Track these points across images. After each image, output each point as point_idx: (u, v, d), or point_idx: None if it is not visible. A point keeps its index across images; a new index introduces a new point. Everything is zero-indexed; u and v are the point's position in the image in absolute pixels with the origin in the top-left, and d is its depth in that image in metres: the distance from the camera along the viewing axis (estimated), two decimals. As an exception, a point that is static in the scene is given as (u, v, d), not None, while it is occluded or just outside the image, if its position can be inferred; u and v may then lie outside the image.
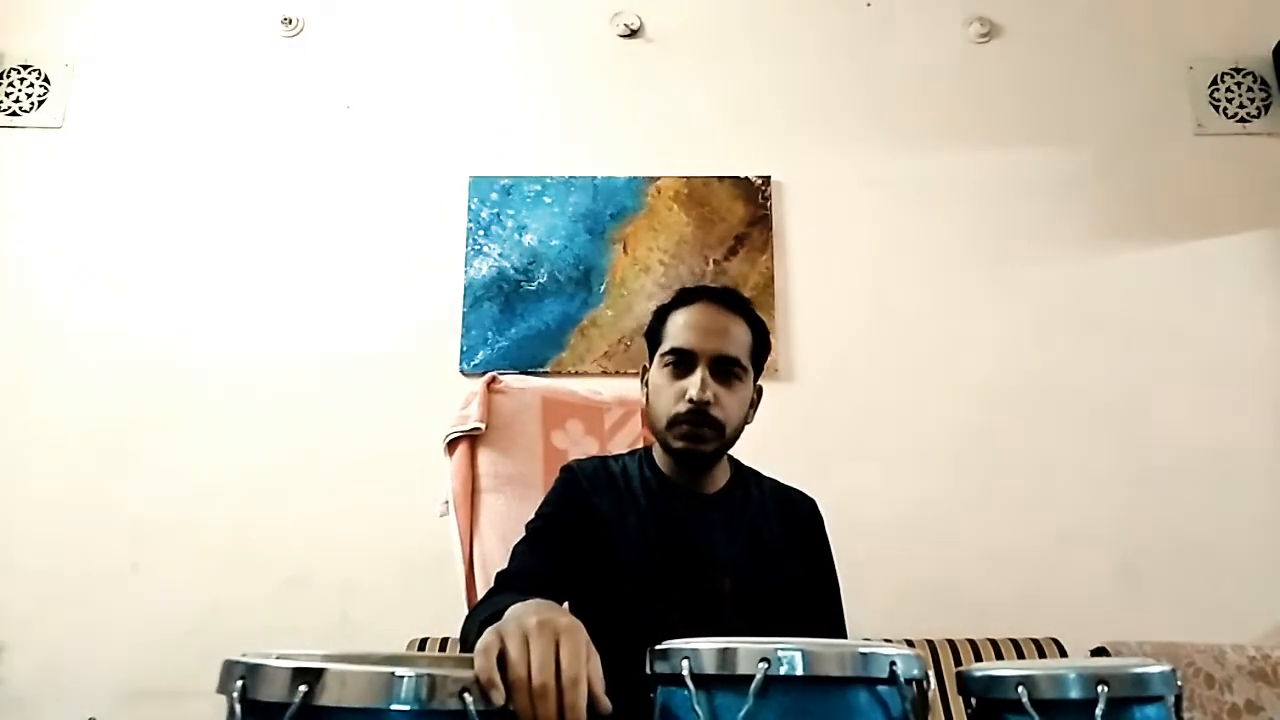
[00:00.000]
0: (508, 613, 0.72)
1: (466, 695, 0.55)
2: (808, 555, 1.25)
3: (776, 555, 1.21)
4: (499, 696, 0.58)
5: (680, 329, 1.19)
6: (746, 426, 1.24)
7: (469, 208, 2.47)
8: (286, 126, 2.55)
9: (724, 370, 1.17)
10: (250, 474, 2.27)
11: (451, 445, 1.49)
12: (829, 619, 1.23)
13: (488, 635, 0.64)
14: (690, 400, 1.13)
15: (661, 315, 1.25)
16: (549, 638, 0.64)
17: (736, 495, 1.25)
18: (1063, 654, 1.93)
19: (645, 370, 1.28)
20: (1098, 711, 0.66)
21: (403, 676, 0.55)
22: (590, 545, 1.16)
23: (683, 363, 1.17)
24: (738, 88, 2.59)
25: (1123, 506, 2.24)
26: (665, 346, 1.20)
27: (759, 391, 1.26)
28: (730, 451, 1.29)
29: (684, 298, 1.24)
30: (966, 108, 2.56)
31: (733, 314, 1.21)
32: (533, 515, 1.22)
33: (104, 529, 2.22)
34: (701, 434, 1.15)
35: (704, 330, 1.18)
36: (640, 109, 2.58)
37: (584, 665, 0.63)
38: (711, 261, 2.43)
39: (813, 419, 2.29)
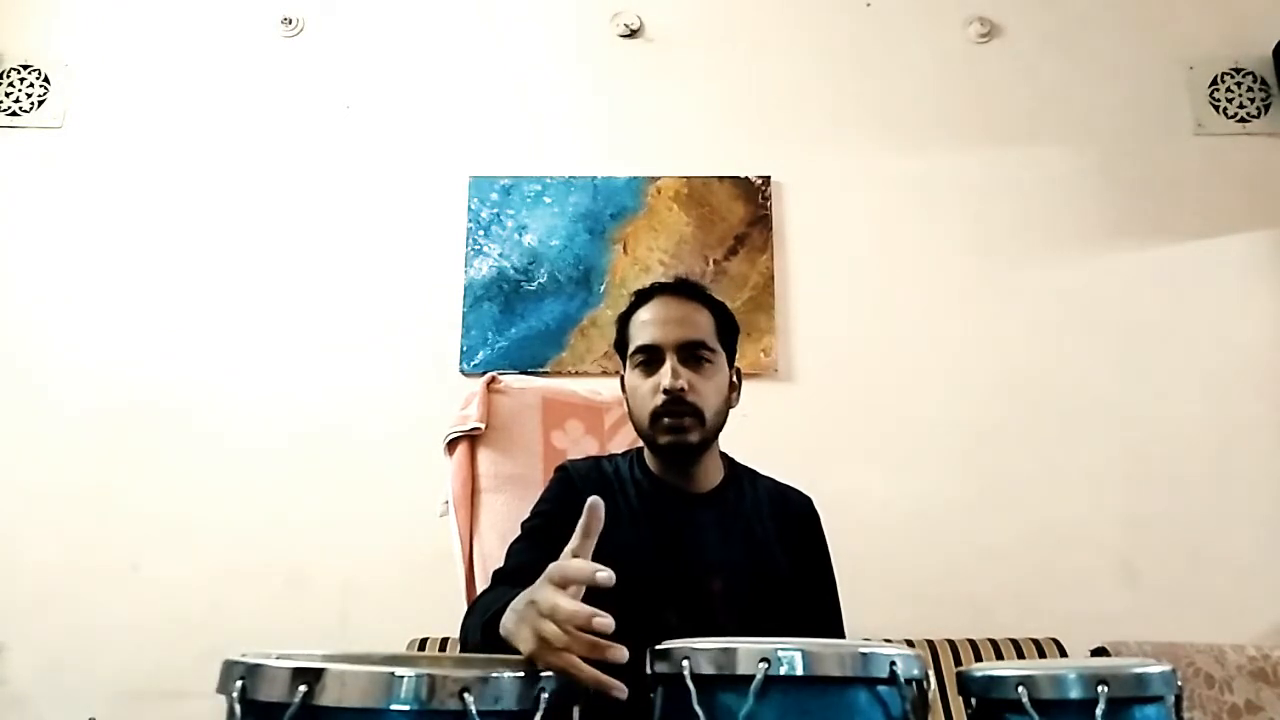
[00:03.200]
0: (514, 625, 0.77)
1: (466, 695, 0.55)
2: (802, 554, 1.24)
3: (770, 555, 1.20)
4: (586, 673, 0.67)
5: (641, 327, 1.20)
6: (734, 421, 1.24)
7: (469, 208, 2.47)
8: (286, 126, 2.55)
9: (692, 356, 1.17)
10: (250, 474, 2.27)
11: (451, 445, 1.49)
12: (824, 618, 1.22)
13: (545, 658, 0.69)
14: (665, 391, 1.14)
15: (623, 321, 1.26)
16: (548, 591, 0.72)
17: (730, 495, 1.24)
18: (1063, 654, 1.93)
19: (623, 380, 1.28)
20: (1098, 711, 0.66)
21: (402, 676, 0.55)
22: None
23: (651, 358, 1.18)
24: (738, 88, 2.59)
25: (1123, 506, 2.24)
26: (632, 347, 1.21)
27: (738, 374, 1.26)
28: (728, 451, 1.29)
29: (640, 299, 1.25)
30: (966, 108, 2.56)
31: (690, 301, 1.22)
32: (529, 514, 1.22)
33: (104, 529, 2.22)
34: (683, 424, 1.15)
35: (663, 322, 1.19)
36: (640, 109, 2.58)
37: (569, 603, 0.70)
38: (711, 261, 2.43)
39: (813, 419, 2.29)
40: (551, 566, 0.74)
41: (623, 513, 1.20)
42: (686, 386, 1.14)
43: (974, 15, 2.61)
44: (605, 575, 0.70)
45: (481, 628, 0.85)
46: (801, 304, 2.41)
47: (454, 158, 2.52)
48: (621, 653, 0.68)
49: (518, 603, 0.77)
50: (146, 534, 2.22)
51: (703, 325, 1.20)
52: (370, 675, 0.55)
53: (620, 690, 0.68)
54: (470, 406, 1.51)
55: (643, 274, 2.41)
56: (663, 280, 1.28)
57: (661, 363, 1.16)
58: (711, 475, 1.24)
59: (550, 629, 0.69)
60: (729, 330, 1.25)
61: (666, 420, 1.15)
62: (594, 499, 0.76)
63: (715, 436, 1.22)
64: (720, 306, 1.25)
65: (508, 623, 0.77)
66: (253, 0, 2.65)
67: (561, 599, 0.70)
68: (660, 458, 1.22)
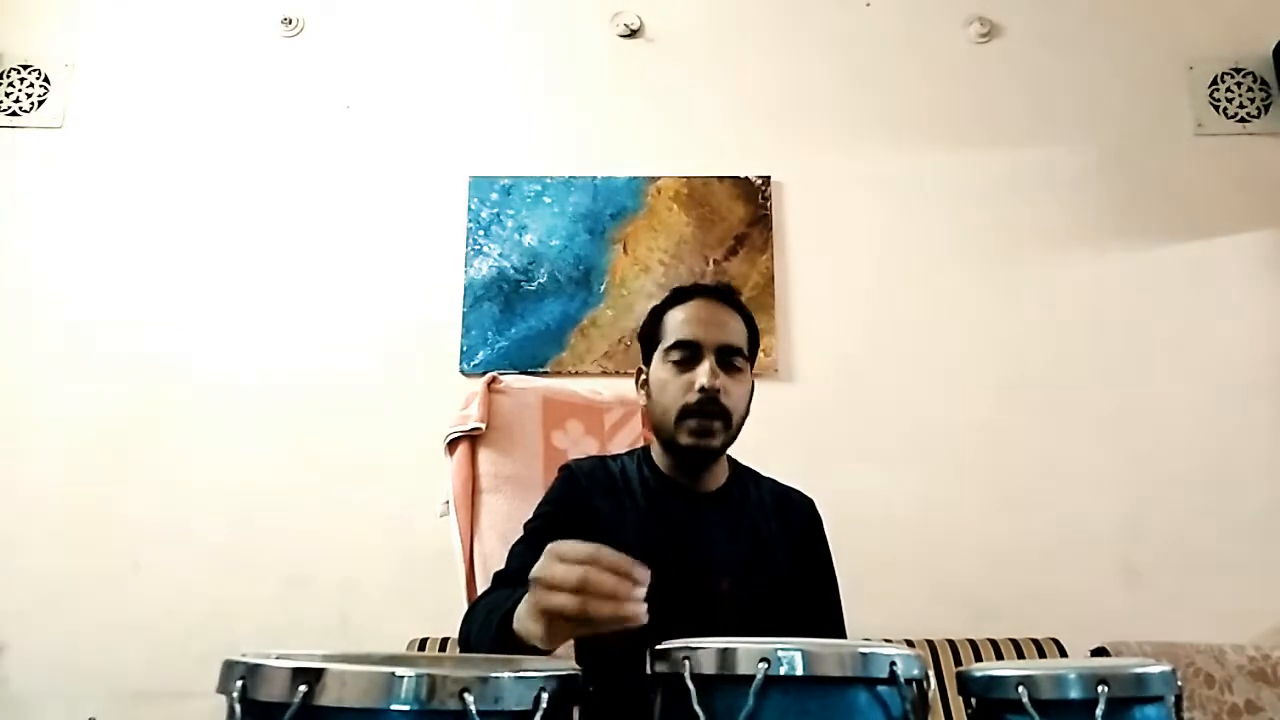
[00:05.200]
0: (527, 620, 0.78)
1: (466, 695, 0.55)
2: (806, 555, 1.24)
3: (775, 555, 1.21)
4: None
5: (682, 323, 1.20)
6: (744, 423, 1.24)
7: (469, 208, 2.47)
8: (286, 126, 2.55)
9: (728, 360, 1.18)
10: (250, 474, 2.27)
11: (452, 445, 1.48)
12: (827, 619, 1.22)
13: (527, 605, 0.77)
14: (701, 389, 1.13)
15: (658, 314, 1.26)
16: (547, 570, 0.74)
17: (735, 495, 1.25)
18: (1063, 654, 1.94)
19: (641, 373, 1.28)
20: (1098, 711, 0.66)
21: (403, 676, 0.55)
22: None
23: (689, 354, 1.17)
24: (738, 88, 2.59)
25: (1123, 506, 2.24)
26: (668, 341, 1.20)
27: (752, 385, 1.26)
28: (729, 451, 1.29)
29: (680, 295, 1.25)
30: (966, 108, 2.56)
31: (729, 308, 1.23)
32: (531, 515, 1.22)
33: (104, 529, 2.22)
34: (712, 426, 1.15)
35: (706, 322, 1.19)
36: (640, 109, 2.58)
37: (577, 550, 0.74)
38: (711, 261, 2.43)
39: (813, 419, 2.29)
40: (549, 547, 0.77)
41: (629, 511, 1.20)
42: (723, 389, 1.14)
43: (974, 15, 2.61)
44: (600, 549, 0.73)
45: (496, 626, 0.84)
46: (801, 304, 2.41)
47: (454, 158, 2.52)
48: (640, 608, 0.72)
49: (527, 598, 0.79)
50: (146, 534, 2.22)
51: (740, 333, 1.21)
52: (370, 675, 0.55)
53: (639, 616, 0.72)
54: (470, 406, 1.51)
55: (643, 274, 2.41)
56: (705, 282, 1.29)
57: (698, 361, 1.16)
58: (718, 475, 1.25)
59: (559, 571, 0.73)
60: (755, 344, 1.26)
61: (695, 421, 1.15)
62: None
63: (733, 442, 1.22)
64: (751, 319, 1.26)
65: (521, 614, 0.78)
66: (253, 0, 2.65)
67: (559, 566, 0.74)
68: (676, 457, 1.21)
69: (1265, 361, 2.34)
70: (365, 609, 2.16)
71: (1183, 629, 1.98)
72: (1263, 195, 2.47)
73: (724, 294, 1.25)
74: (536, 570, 0.75)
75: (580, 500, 1.21)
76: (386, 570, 2.16)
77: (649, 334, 1.26)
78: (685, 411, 1.15)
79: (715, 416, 1.15)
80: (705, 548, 1.18)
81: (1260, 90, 2.55)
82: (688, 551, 1.17)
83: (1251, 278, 2.41)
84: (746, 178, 2.49)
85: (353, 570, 2.18)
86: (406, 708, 0.54)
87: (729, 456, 1.29)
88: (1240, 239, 2.44)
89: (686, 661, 0.66)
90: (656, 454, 1.26)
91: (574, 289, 2.41)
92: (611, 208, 2.47)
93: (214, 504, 2.24)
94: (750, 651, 0.65)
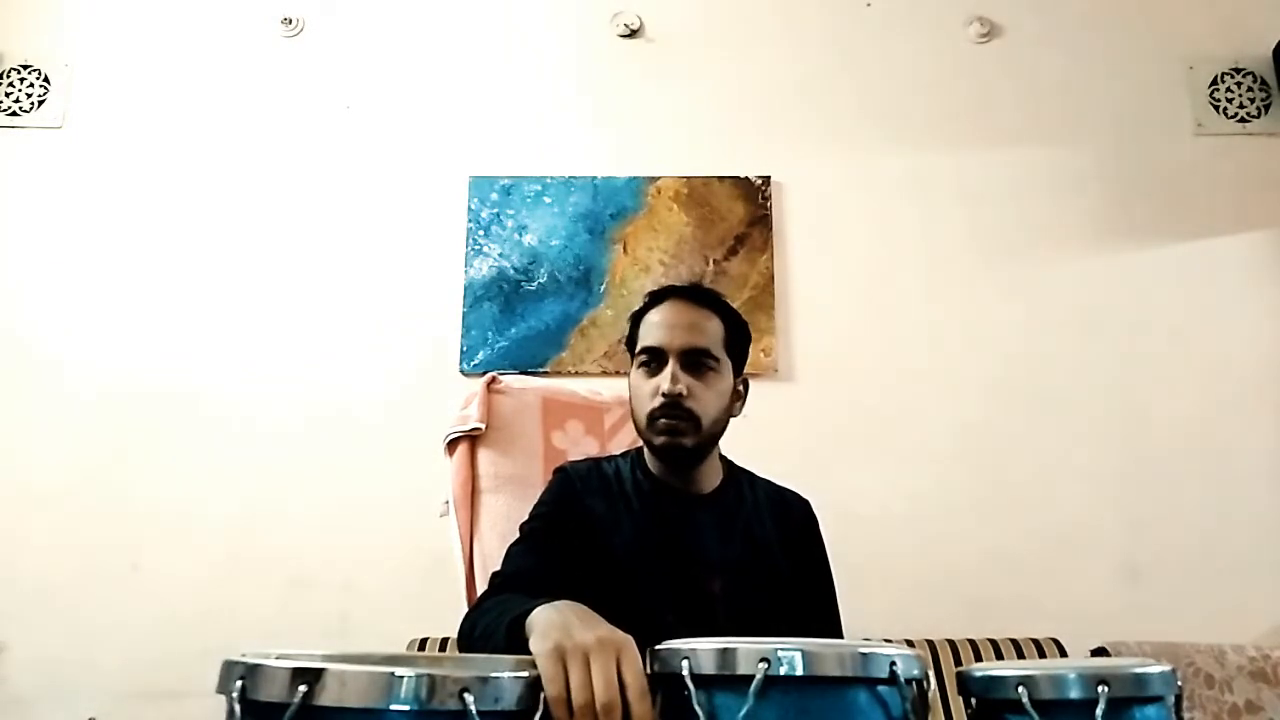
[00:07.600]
0: (549, 621, 0.73)
1: (466, 695, 0.55)
2: (802, 556, 1.24)
3: (769, 556, 1.21)
4: None
5: (650, 329, 1.21)
6: (735, 421, 1.24)
7: (469, 208, 2.47)
8: (286, 126, 2.55)
9: (695, 363, 1.17)
10: (250, 474, 2.27)
11: (451, 445, 1.48)
12: (823, 620, 1.22)
13: (549, 666, 0.65)
14: (663, 395, 1.14)
15: (635, 320, 1.26)
16: (610, 654, 0.67)
17: (729, 496, 1.25)
18: (1063, 654, 1.94)
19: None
20: (1098, 711, 0.66)
21: (402, 676, 0.55)
22: (583, 546, 1.16)
23: (654, 360, 1.19)
24: (738, 88, 2.59)
25: (1123, 506, 2.24)
26: (638, 347, 1.22)
27: (745, 384, 1.26)
28: (726, 452, 1.29)
29: (653, 300, 1.25)
30: (966, 108, 2.56)
31: (701, 308, 1.22)
32: (527, 516, 1.22)
33: (104, 529, 2.22)
34: (678, 427, 1.15)
35: (671, 326, 1.19)
36: (640, 109, 2.58)
37: (644, 679, 0.67)
38: (711, 261, 2.43)
39: (813, 419, 2.29)
40: (627, 639, 0.71)
41: (622, 513, 1.20)
42: (685, 392, 1.14)
43: (974, 15, 2.61)
44: None
45: (508, 633, 0.83)
46: (801, 304, 2.41)
47: (454, 158, 2.52)
48: None
49: (576, 612, 0.75)
50: (146, 534, 2.22)
51: (710, 333, 1.20)
52: (370, 675, 0.55)
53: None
54: (470, 406, 1.50)
55: (642, 274, 2.41)
56: (678, 284, 1.28)
57: (664, 365, 1.17)
58: (711, 477, 1.25)
59: (579, 677, 0.65)
60: (739, 340, 1.24)
61: (662, 422, 1.15)
62: None
63: (713, 442, 1.22)
64: (733, 316, 1.25)
65: (541, 615, 0.76)
66: (253, 0, 2.65)
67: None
68: (657, 458, 1.22)
69: (1265, 361, 2.34)
70: (365, 609, 2.16)
71: (1183, 629, 1.98)
72: (1263, 195, 2.46)
73: (696, 294, 1.24)
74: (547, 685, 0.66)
75: (575, 502, 1.21)
76: (386, 570, 2.16)
77: (630, 339, 1.27)
78: (652, 415, 1.16)
79: (680, 418, 1.15)
80: (698, 549, 1.18)
81: (1260, 90, 2.55)
82: (680, 553, 1.17)
83: (1251, 278, 2.41)
84: (746, 178, 2.49)
85: (353, 570, 2.19)
86: (406, 708, 0.54)
87: (724, 458, 1.29)
88: (1240, 239, 2.44)
89: (686, 661, 0.66)
90: (648, 456, 1.26)
91: (574, 289, 2.41)
92: (611, 208, 2.47)
93: (214, 504, 2.24)
94: (750, 651, 0.65)
